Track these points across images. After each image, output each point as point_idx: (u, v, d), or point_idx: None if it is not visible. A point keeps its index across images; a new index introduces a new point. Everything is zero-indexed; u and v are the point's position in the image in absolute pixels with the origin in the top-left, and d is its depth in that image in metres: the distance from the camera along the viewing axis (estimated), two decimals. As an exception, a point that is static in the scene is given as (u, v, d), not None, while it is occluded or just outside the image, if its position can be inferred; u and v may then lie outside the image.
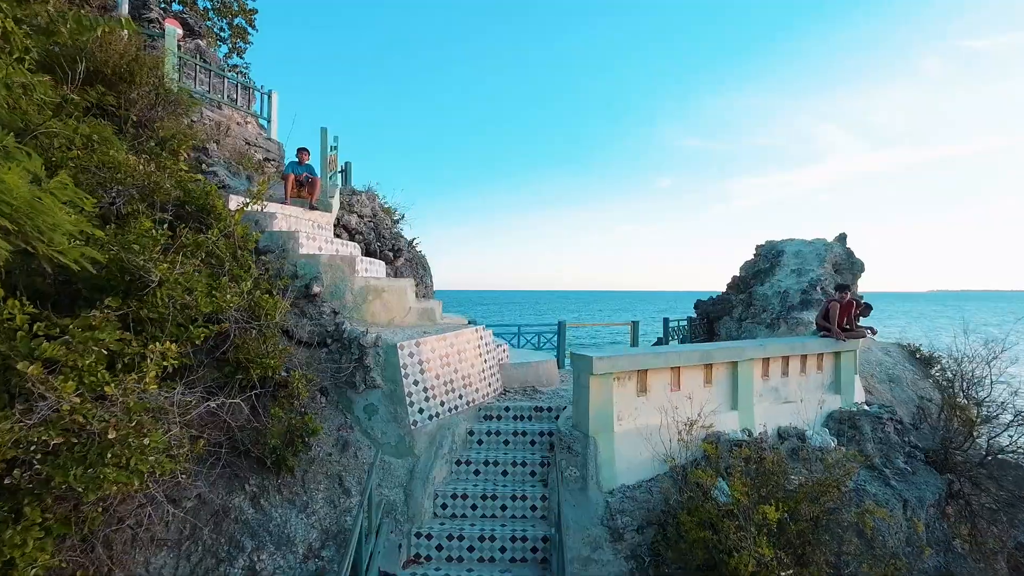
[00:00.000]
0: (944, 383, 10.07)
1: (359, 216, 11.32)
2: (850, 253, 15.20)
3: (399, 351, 5.77)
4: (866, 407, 7.75)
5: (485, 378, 6.99)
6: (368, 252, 11.19)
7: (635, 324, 12.56)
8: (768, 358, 7.13)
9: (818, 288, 12.94)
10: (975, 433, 8.45)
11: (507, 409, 6.72)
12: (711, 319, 18.35)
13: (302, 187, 7.50)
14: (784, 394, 7.25)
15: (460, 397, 6.40)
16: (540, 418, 6.67)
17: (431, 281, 13.16)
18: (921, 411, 9.37)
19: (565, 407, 6.68)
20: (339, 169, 10.35)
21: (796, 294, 13.44)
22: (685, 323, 15.75)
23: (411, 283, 6.90)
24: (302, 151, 7.66)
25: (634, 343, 12.56)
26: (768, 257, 16.53)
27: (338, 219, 10.80)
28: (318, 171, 7.88)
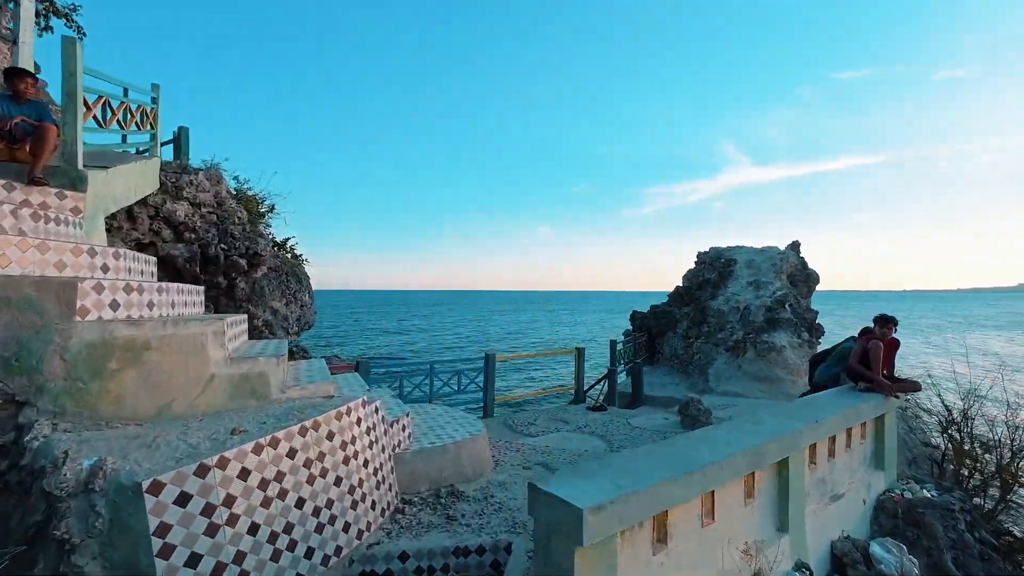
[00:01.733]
0: (943, 422, 8.50)
1: (192, 205, 7.63)
2: (804, 263, 13.77)
3: (145, 501, 2.52)
4: (917, 487, 5.65)
5: (367, 494, 3.88)
6: (206, 258, 7.58)
7: (580, 353, 10.00)
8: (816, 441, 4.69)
9: (787, 306, 11.16)
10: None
11: (403, 558, 3.66)
12: (652, 334, 16.42)
13: (16, 142, 3.93)
14: (831, 485, 4.87)
15: (309, 552, 3.25)
16: (466, 570, 3.70)
17: (310, 298, 9.67)
18: (935, 465, 7.60)
19: (509, 544, 3.78)
20: (152, 131, 6.66)
21: (759, 311, 11.58)
22: (631, 345, 13.53)
23: (223, 325, 3.61)
24: (15, 77, 4.04)
25: (579, 377, 9.99)
26: (715, 266, 14.79)
27: (156, 208, 7.10)
28: (62, 121, 4.22)
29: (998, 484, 6.96)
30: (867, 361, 5.70)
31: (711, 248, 15.95)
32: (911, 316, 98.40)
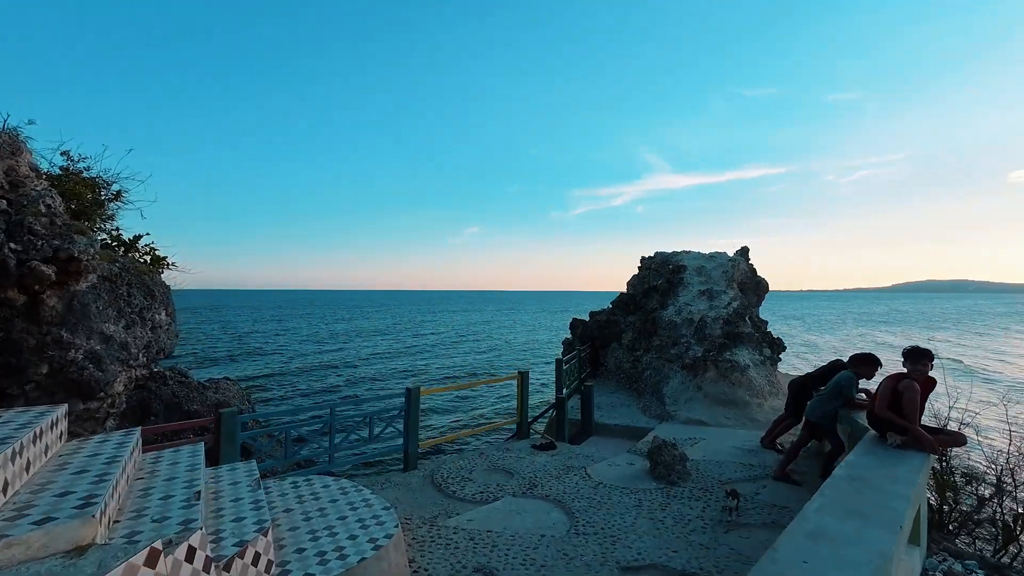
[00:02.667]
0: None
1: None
2: (754, 270, 13.02)
3: None
4: (959, 567, 4.50)
5: None
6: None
7: (523, 378, 8.35)
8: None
9: (747, 319, 10.16)
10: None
11: None
12: (595, 345, 15.17)
13: None
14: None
15: None
16: None
17: (169, 316, 7.28)
18: (936, 515, 6.71)
19: None
20: None
21: (716, 324, 10.52)
22: (575, 362, 12.10)
23: None
24: None
25: (522, 408, 8.34)
26: (662, 272, 13.75)
27: None
28: None
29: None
30: (898, 405, 4.46)
31: (656, 253, 14.96)
32: (816, 311, 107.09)
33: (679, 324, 11.19)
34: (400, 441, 6.70)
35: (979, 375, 27.49)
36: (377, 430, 6.39)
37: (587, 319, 17.45)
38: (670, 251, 14.59)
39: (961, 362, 33.02)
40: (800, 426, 7.27)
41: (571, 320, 17.72)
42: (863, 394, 5.97)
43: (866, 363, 4.86)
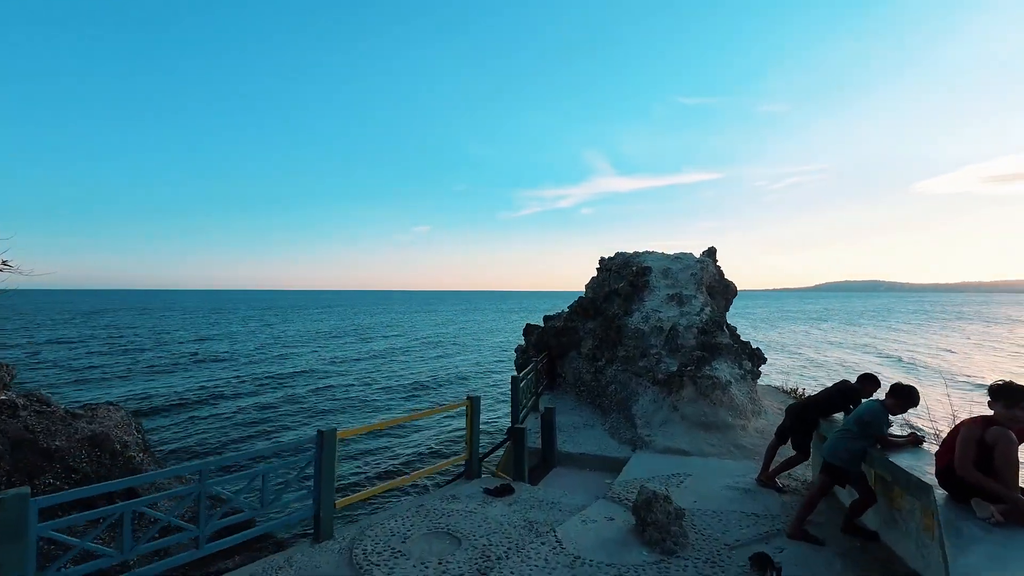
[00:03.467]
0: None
1: None
2: (721, 272, 12.12)
3: None
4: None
5: None
6: None
7: (473, 403, 6.82)
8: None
9: (724, 328, 9.09)
10: None
11: None
12: (552, 355, 13.85)
13: None
14: None
15: None
16: None
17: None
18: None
19: None
20: None
21: (689, 334, 9.41)
22: (532, 375, 10.69)
23: None
24: None
25: (472, 442, 6.80)
26: (623, 275, 12.62)
27: None
28: None
29: None
30: (986, 461, 3.28)
31: (616, 254, 13.84)
32: (749, 309, 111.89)
33: (647, 333, 10.02)
34: (311, 501, 5.01)
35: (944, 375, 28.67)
36: (271, 496, 4.65)
37: (542, 324, 16.14)
38: (631, 251, 13.51)
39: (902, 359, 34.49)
40: (801, 459, 6.19)
41: (525, 325, 16.35)
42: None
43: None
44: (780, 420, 6.55)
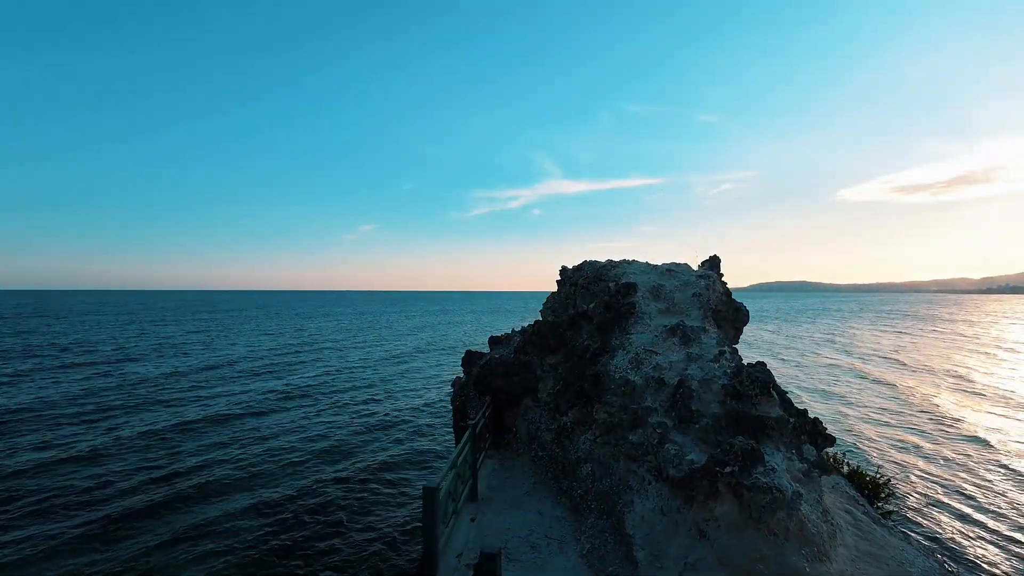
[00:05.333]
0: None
1: None
2: (728, 292, 8.92)
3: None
4: None
5: None
6: None
7: (431, 496, 3.23)
8: None
9: (772, 392, 5.73)
10: None
11: None
12: (499, 401, 10.25)
13: None
14: None
15: None
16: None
17: None
18: None
19: None
20: None
21: (710, 395, 6.02)
22: (473, 435, 7.07)
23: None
24: None
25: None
26: (594, 292, 9.21)
27: None
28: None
29: None
30: None
31: (585, 262, 10.40)
32: None
33: (639, 387, 6.59)
34: None
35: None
36: None
37: (486, 351, 12.47)
38: (603, 260, 10.12)
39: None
40: None
41: (464, 354, 12.64)
42: None
43: None
44: (864, 543, 3.27)
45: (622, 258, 9.85)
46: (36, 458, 14.55)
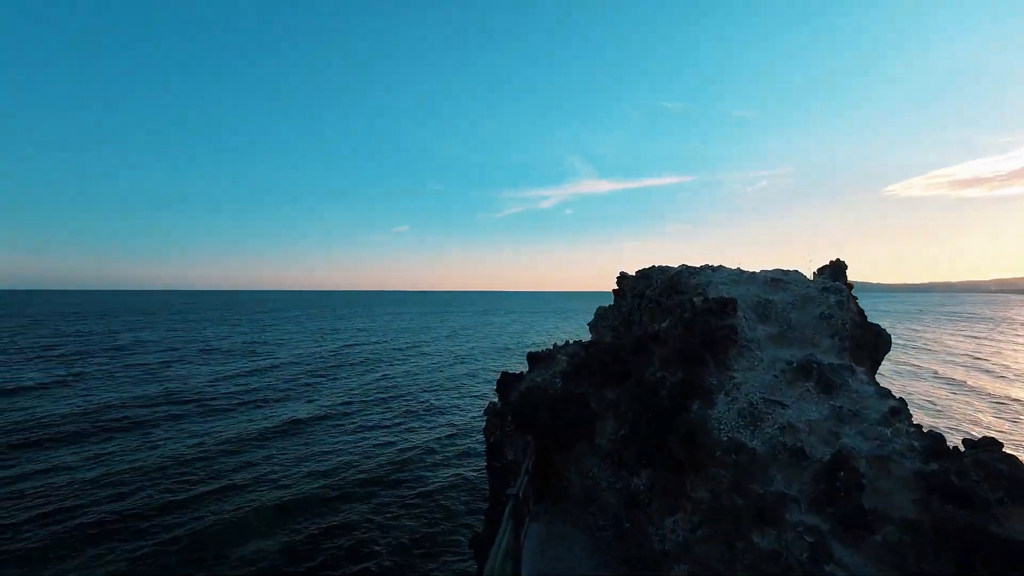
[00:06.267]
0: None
1: None
2: (861, 311, 6.58)
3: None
4: None
5: None
6: None
7: None
8: None
9: (1017, 475, 3.51)
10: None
11: None
12: (545, 445, 8.22)
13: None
14: None
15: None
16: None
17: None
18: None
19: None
20: None
21: (889, 481, 3.77)
22: (506, 537, 5.08)
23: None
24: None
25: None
26: (668, 307, 7.02)
27: None
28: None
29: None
30: None
31: (653, 268, 8.23)
32: None
33: (762, 458, 4.44)
34: None
35: None
36: None
37: (526, 370, 10.43)
38: (676, 266, 7.94)
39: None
40: None
41: (500, 376, 10.62)
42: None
43: None
44: None
45: (703, 264, 7.64)
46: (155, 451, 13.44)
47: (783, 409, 4.70)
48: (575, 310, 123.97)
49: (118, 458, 14.96)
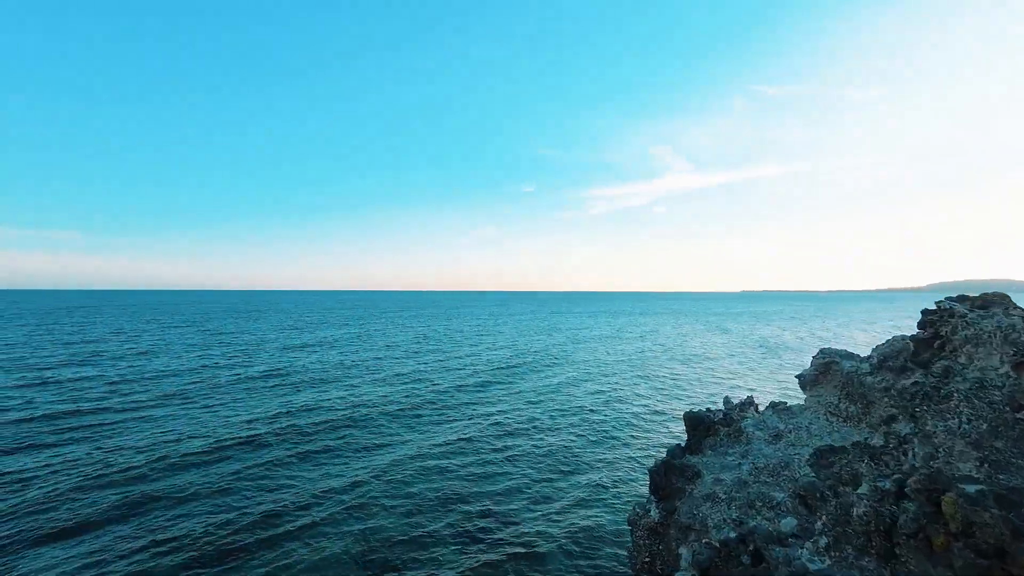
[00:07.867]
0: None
1: None
2: None
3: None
4: None
5: None
6: None
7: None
8: None
9: None
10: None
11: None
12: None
13: None
14: None
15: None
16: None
17: None
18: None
19: None
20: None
21: None
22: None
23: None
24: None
25: None
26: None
27: None
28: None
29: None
30: None
31: (982, 297, 5.93)
32: (879, 316, 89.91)
33: None
34: None
35: None
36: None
37: (686, 442, 8.39)
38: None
39: None
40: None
41: (685, 415, 9.00)
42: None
43: None
44: None
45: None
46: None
47: None
48: (684, 312, 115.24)
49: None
